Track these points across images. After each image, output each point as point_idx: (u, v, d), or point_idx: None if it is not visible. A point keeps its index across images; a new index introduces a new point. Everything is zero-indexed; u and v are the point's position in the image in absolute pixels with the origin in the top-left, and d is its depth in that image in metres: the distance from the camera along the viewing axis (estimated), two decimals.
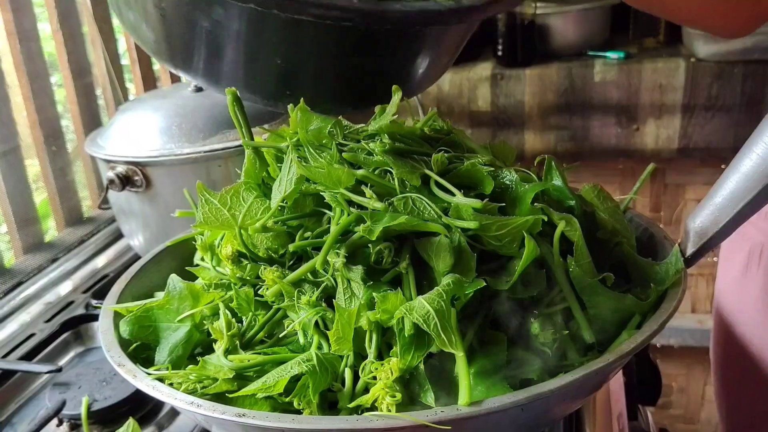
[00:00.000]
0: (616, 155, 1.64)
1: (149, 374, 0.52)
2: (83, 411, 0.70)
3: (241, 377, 0.51)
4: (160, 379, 0.52)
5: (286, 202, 0.57)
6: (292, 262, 0.57)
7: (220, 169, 0.88)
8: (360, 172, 0.55)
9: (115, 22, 1.26)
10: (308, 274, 0.54)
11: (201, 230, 0.62)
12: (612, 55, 1.61)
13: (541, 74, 1.61)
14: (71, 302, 0.99)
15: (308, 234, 0.57)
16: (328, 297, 0.54)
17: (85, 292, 1.02)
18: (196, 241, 0.63)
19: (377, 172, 0.55)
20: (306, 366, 0.48)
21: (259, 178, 0.61)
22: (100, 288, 1.01)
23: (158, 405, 0.75)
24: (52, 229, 1.17)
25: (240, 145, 0.76)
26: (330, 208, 0.56)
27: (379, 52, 0.79)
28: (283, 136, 0.61)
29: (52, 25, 1.17)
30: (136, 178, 0.90)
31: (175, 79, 1.37)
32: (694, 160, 1.62)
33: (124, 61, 1.36)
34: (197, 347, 0.58)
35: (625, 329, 0.53)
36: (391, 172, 0.55)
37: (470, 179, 0.56)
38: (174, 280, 0.59)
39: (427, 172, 0.55)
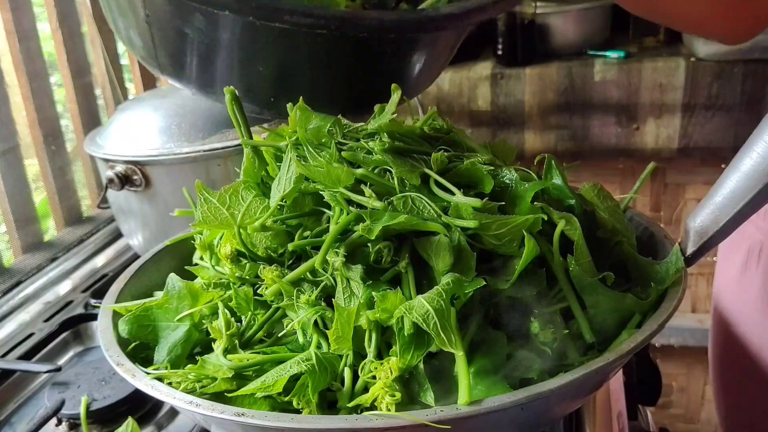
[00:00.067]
0: (616, 154, 1.64)
1: (148, 373, 0.52)
2: (82, 410, 0.69)
3: (240, 376, 0.51)
4: (159, 379, 0.52)
5: (286, 201, 0.57)
6: (291, 261, 0.57)
7: (220, 169, 0.88)
8: (359, 171, 0.54)
9: None
10: (307, 274, 0.54)
11: (200, 229, 0.62)
12: (612, 54, 1.61)
13: (541, 73, 1.61)
14: (70, 301, 0.99)
15: (307, 233, 0.57)
16: (327, 296, 0.53)
17: (84, 291, 1.02)
18: (195, 241, 0.63)
19: (377, 171, 0.55)
20: (305, 365, 0.48)
21: (258, 177, 0.60)
22: (99, 287, 1.01)
23: (157, 404, 0.75)
24: (51, 229, 1.17)
25: (239, 145, 0.76)
26: (329, 207, 0.56)
27: (373, 57, 0.78)
28: (282, 135, 0.61)
29: (51, 25, 1.17)
30: (136, 177, 0.90)
31: None
32: (695, 159, 1.61)
33: (124, 60, 1.36)
34: (196, 346, 0.58)
35: (625, 329, 0.52)
36: (390, 171, 0.55)
37: (470, 178, 0.56)
38: (173, 279, 0.59)
39: (427, 171, 0.55)
